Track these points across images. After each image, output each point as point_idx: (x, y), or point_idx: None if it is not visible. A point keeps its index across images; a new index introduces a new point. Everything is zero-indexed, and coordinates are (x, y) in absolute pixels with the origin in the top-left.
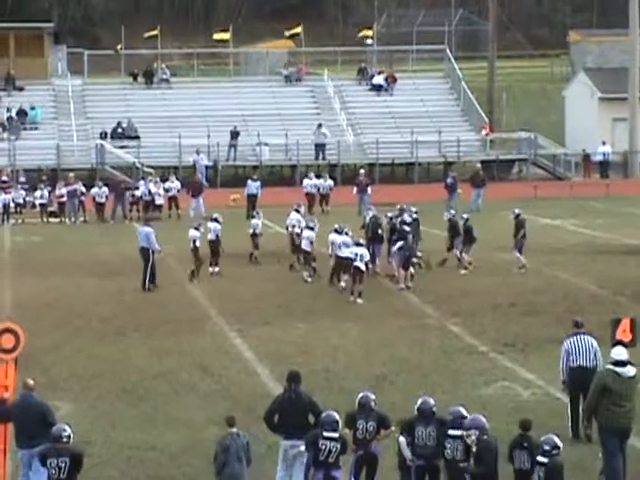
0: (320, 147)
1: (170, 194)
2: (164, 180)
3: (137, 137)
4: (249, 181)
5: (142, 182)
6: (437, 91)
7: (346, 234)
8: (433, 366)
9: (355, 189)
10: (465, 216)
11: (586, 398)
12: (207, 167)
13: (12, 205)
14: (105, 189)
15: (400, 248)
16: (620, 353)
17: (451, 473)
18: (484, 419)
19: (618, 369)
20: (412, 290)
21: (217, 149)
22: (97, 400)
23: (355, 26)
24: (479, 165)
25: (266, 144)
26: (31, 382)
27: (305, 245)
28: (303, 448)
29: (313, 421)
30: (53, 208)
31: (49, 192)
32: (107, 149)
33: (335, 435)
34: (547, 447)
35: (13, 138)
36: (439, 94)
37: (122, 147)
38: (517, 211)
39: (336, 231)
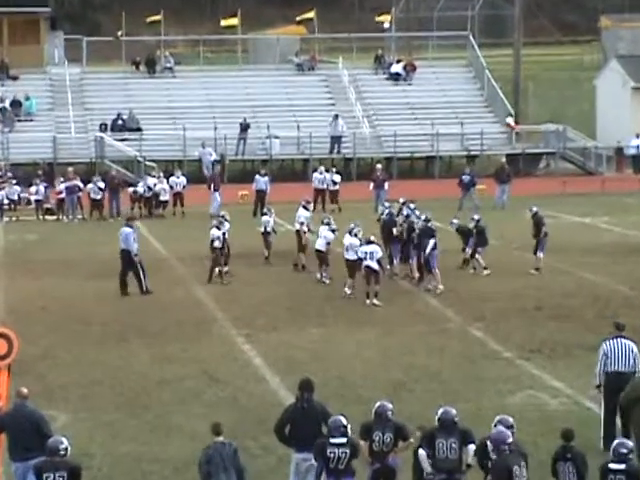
0: (336, 140)
1: (175, 190)
2: (169, 175)
3: (139, 129)
4: (257, 176)
5: (144, 177)
6: (459, 80)
7: (355, 235)
8: (455, 373)
9: (371, 185)
10: (476, 217)
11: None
12: (214, 162)
13: (6, 201)
14: (101, 184)
15: (434, 248)
16: None
17: None
18: (509, 434)
19: None
20: (432, 293)
21: (224, 142)
22: (96, 410)
23: (372, 11)
24: (504, 159)
25: (276, 137)
26: (25, 391)
27: (320, 245)
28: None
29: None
30: (49, 205)
31: (45, 188)
32: (107, 142)
33: (343, 440)
34: (624, 450)
35: (7, 130)
36: (461, 83)
37: (123, 140)
38: (534, 208)
39: (350, 232)
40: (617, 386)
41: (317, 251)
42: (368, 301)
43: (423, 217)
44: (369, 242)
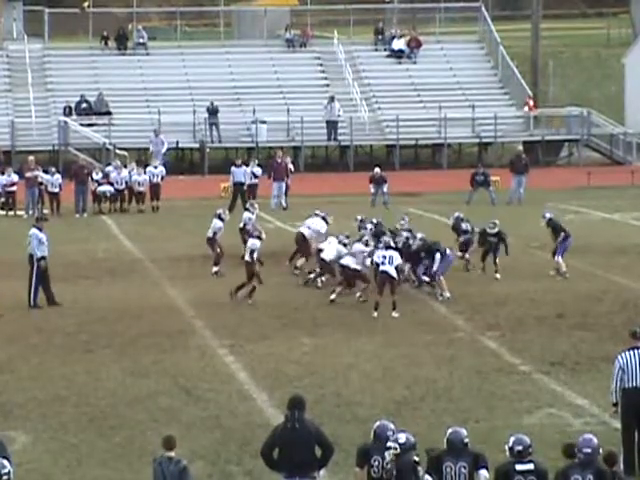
0: (332, 125)
1: (152, 182)
2: (145, 165)
3: (108, 113)
4: (233, 167)
5: (110, 168)
6: (470, 58)
7: (365, 244)
8: (465, 389)
9: (371, 186)
10: (496, 222)
11: None
12: (168, 150)
13: None
14: (58, 176)
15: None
16: None
17: None
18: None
19: None
20: (437, 299)
21: (204, 128)
22: (60, 430)
23: None
24: (521, 147)
25: (263, 122)
26: None
27: (328, 255)
28: None
29: (320, 456)
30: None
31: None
32: (72, 127)
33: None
34: None
35: None
36: (472, 62)
37: (90, 125)
38: (547, 214)
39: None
40: (637, 404)
41: (322, 260)
42: (376, 313)
43: (419, 236)
44: (388, 247)
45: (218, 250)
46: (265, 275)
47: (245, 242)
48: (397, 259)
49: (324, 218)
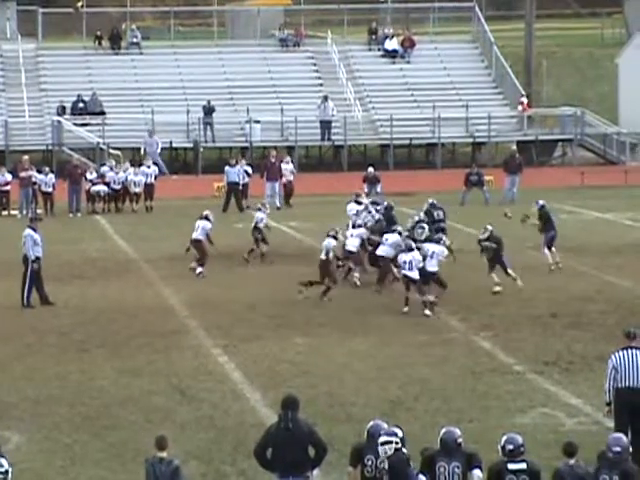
0: (326, 125)
1: (146, 181)
2: (139, 165)
3: (102, 113)
4: (227, 167)
5: (106, 168)
6: (464, 58)
7: (399, 234)
8: (458, 389)
9: (365, 186)
10: (489, 228)
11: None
12: (162, 150)
13: None
14: (52, 175)
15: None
16: None
17: None
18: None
19: None
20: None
21: (198, 127)
22: (54, 430)
23: None
24: (514, 147)
25: (257, 121)
26: None
27: (352, 245)
28: None
29: (314, 456)
30: None
31: None
32: (65, 127)
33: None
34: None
35: None
36: (466, 61)
37: (84, 125)
38: (541, 202)
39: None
40: (630, 403)
41: (348, 252)
42: (406, 308)
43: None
44: (410, 249)
45: (197, 251)
46: (259, 275)
47: (257, 241)
48: (419, 261)
49: (356, 200)
